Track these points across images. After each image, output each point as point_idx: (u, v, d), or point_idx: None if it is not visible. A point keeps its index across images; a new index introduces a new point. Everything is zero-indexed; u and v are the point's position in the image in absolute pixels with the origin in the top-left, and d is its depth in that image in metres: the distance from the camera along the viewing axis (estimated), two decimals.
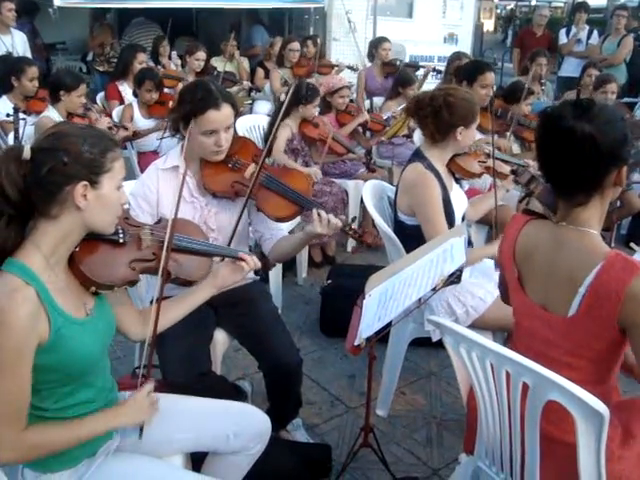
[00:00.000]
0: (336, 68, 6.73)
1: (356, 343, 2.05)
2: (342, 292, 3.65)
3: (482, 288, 2.70)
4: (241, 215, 2.45)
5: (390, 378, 2.95)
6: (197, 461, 2.02)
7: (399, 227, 2.85)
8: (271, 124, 4.36)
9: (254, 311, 2.58)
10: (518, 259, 1.85)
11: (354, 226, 2.41)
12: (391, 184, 3.47)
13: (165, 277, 1.84)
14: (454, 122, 2.68)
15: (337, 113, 4.98)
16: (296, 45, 6.56)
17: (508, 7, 25.79)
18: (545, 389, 1.59)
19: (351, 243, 4.96)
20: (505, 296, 2.08)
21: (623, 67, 7.12)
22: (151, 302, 2.48)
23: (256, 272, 2.21)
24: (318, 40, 6.96)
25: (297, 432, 2.73)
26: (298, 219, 3.63)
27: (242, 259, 2.06)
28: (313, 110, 4.49)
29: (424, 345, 3.01)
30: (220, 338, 2.60)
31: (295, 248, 2.52)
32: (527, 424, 1.69)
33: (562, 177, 1.70)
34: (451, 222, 2.69)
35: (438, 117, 2.69)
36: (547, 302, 1.76)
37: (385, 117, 5.27)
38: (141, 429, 1.76)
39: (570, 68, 7.38)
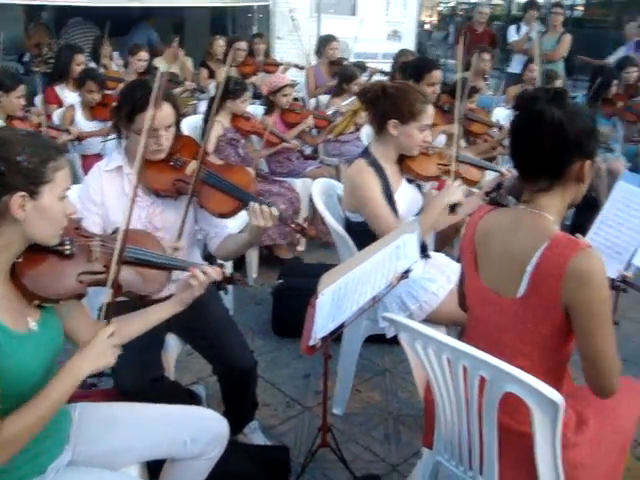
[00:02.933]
0: (282, 66, 6.71)
1: (311, 343, 2.04)
2: (294, 292, 3.64)
3: (435, 283, 2.71)
4: (186, 213, 2.42)
5: (345, 376, 2.94)
6: (154, 470, 1.97)
7: (348, 224, 2.84)
8: (205, 120, 4.32)
9: (205, 314, 2.53)
10: (476, 243, 1.87)
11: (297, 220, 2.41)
12: (339, 182, 3.46)
13: (116, 290, 1.75)
14: (387, 112, 2.67)
15: (281, 112, 4.95)
16: (243, 44, 6.52)
17: (449, 4, 26.18)
18: (502, 381, 1.61)
19: (301, 242, 4.94)
20: (462, 299, 2.09)
21: (561, 63, 7.30)
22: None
23: (218, 287, 2.11)
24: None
25: (254, 435, 2.70)
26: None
27: (193, 273, 1.97)
28: (242, 105, 4.44)
29: (378, 342, 3.01)
30: (172, 343, 2.56)
31: (242, 246, 2.49)
32: (485, 416, 1.71)
33: (528, 160, 1.75)
34: None
35: (374, 105, 2.72)
36: (499, 286, 1.78)
37: (330, 113, 5.28)
38: (101, 374, 1.64)
39: (518, 65, 7.50)
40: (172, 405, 2.01)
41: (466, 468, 1.87)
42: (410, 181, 2.85)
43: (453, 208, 2.61)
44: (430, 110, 2.70)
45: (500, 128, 4.38)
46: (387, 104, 2.66)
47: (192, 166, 2.44)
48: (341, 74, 5.61)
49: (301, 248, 4.96)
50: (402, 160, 2.79)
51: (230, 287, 2.17)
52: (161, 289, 1.99)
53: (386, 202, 2.66)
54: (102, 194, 2.39)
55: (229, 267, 3.72)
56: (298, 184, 4.70)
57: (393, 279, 1.94)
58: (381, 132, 2.72)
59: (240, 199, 2.42)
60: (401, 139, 2.69)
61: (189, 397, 2.61)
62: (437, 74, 3.91)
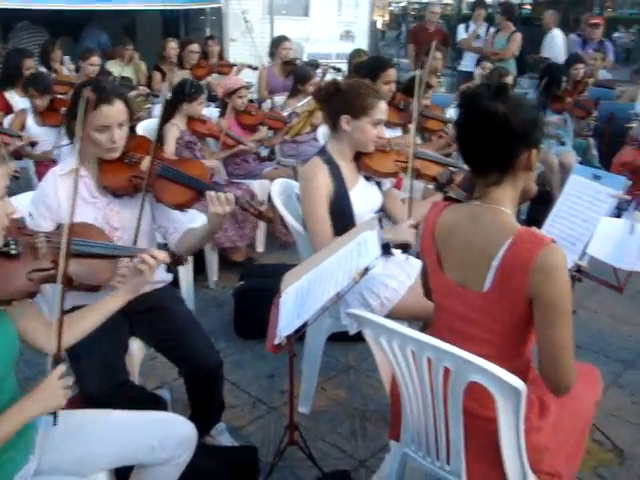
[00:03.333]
0: (236, 68, 6.69)
1: (276, 342, 2.05)
2: (255, 292, 3.64)
3: (395, 279, 2.74)
4: (142, 208, 2.43)
5: (310, 375, 2.95)
6: (123, 476, 1.96)
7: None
8: (161, 123, 4.30)
9: (169, 316, 2.53)
10: (437, 241, 1.90)
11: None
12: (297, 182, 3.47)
13: (66, 284, 1.75)
14: (339, 108, 2.69)
15: (237, 114, 4.94)
16: (196, 47, 6.49)
17: (401, 4, 26.44)
18: (465, 371, 1.64)
19: (260, 243, 4.94)
20: (427, 291, 2.13)
21: (512, 61, 7.44)
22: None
23: (169, 269, 2.16)
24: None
25: (221, 437, 2.69)
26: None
27: (141, 259, 1.99)
28: (198, 107, 4.44)
29: (341, 340, 3.02)
30: (136, 347, 2.54)
31: (202, 237, 2.48)
32: (450, 406, 1.74)
33: (478, 155, 1.79)
34: (348, 218, 2.70)
35: (328, 103, 2.74)
36: (465, 280, 1.82)
37: (286, 114, 5.29)
38: (55, 415, 1.66)
39: (470, 63, 7.63)
40: (139, 411, 2.00)
41: (433, 459, 1.90)
42: (368, 178, 2.87)
43: (403, 247, 2.63)
44: (383, 105, 2.72)
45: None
46: (339, 100, 2.69)
47: (147, 161, 2.45)
48: (296, 75, 5.62)
49: (260, 249, 4.96)
50: (359, 157, 2.81)
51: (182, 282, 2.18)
52: (111, 278, 2.02)
53: (326, 201, 2.66)
54: (57, 199, 2.37)
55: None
56: (256, 185, 4.70)
57: (355, 275, 1.96)
58: (335, 129, 2.74)
59: (196, 189, 2.45)
60: (354, 135, 2.71)
61: (154, 402, 2.59)
62: (392, 72, 3.95)
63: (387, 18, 25.51)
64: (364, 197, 2.79)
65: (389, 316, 2.68)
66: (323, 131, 4.71)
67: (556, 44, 7.84)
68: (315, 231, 2.65)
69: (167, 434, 1.92)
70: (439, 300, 1.95)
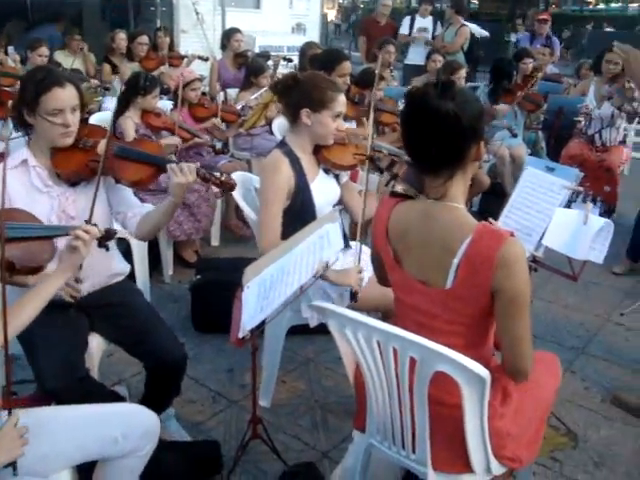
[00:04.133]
0: (186, 59, 6.60)
1: (240, 335, 2.04)
2: (212, 286, 3.62)
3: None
4: (97, 190, 2.30)
5: (270, 368, 2.95)
6: (86, 473, 1.92)
7: None
8: (114, 117, 4.23)
9: (130, 310, 2.50)
10: (392, 239, 1.90)
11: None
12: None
13: (8, 269, 1.74)
14: (299, 101, 2.68)
15: (190, 107, 4.88)
16: (144, 38, 6.37)
17: None
18: (432, 361, 1.66)
19: (215, 237, 4.90)
20: (381, 278, 2.14)
21: (461, 55, 7.54)
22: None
23: (100, 244, 2.09)
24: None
25: (170, 422, 2.68)
26: None
27: (75, 234, 1.95)
28: (152, 101, 4.38)
29: (299, 333, 3.03)
30: (95, 343, 2.48)
31: (164, 213, 2.41)
32: (416, 395, 1.76)
33: (428, 154, 1.78)
34: (309, 211, 2.71)
35: (287, 95, 2.73)
36: (425, 277, 1.83)
37: (239, 107, 5.24)
38: (14, 466, 1.59)
39: (417, 57, 7.70)
40: (99, 404, 1.97)
41: (399, 448, 1.92)
42: (326, 171, 2.88)
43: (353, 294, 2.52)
44: (342, 98, 2.71)
45: None
46: (299, 93, 2.67)
47: (103, 144, 2.39)
48: (249, 67, 5.58)
49: (215, 243, 4.92)
50: (318, 150, 2.81)
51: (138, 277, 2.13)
52: (52, 257, 1.99)
53: (290, 200, 2.67)
54: (9, 195, 2.30)
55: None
56: None
57: (319, 268, 1.96)
58: (295, 122, 2.73)
59: (156, 164, 2.44)
60: (314, 128, 2.70)
61: (113, 398, 2.54)
62: (347, 65, 3.96)
63: (336, 11, 25.55)
64: (324, 190, 2.79)
65: (349, 308, 2.69)
66: (279, 124, 4.70)
67: None
68: (265, 223, 2.64)
69: (129, 425, 1.90)
70: (400, 295, 1.96)
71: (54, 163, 2.37)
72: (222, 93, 6.12)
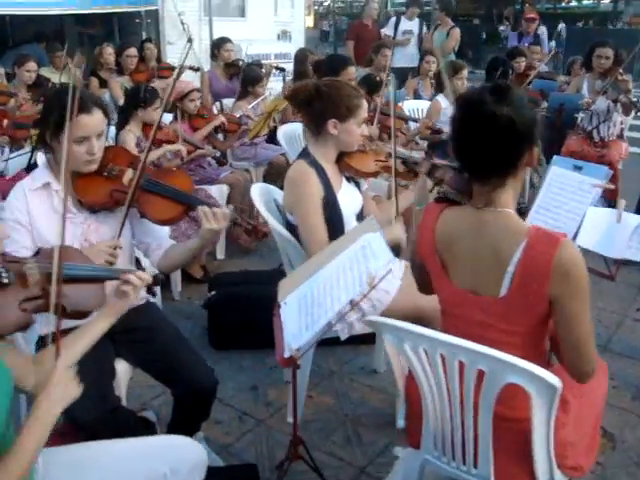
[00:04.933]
0: (177, 70, 6.50)
1: (286, 355, 1.96)
2: (228, 302, 3.54)
3: (384, 280, 2.69)
4: (123, 225, 2.28)
5: (300, 383, 2.86)
6: None
7: (290, 229, 2.77)
8: (117, 130, 4.14)
9: (157, 335, 2.41)
10: (440, 248, 1.85)
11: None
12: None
13: (60, 312, 1.61)
14: (324, 113, 2.62)
15: (190, 118, 4.80)
16: (133, 51, 6.28)
17: (325, 3, 26.58)
18: (502, 373, 1.60)
19: (220, 251, 4.81)
20: (423, 287, 2.08)
21: (452, 56, 7.53)
22: (38, 343, 2.24)
23: (149, 290, 2.05)
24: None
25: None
26: None
27: (127, 279, 1.87)
28: (154, 113, 4.24)
29: (319, 344, 2.96)
30: (121, 369, 2.39)
31: (190, 252, 2.35)
32: (482, 408, 1.70)
33: (481, 160, 1.72)
34: (338, 222, 2.65)
35: (311, 106, 2.65)
36: (476, 286, 1.78)
37: (238, 116, 5.17)
38: None
39: (402, 59, 7.67)
40: (144, 437, 1.88)
41: (459, 463, 1.85)
42: (348, 179, 2.82)
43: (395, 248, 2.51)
44: (365, 104, 2.67)
45: (415, 121, 4.45)
46: (323, 104, 2.60)
47: (129, 174, 2.32)
48: (245, 76, 5.50)
49: (221, 256, 4.83)
50: (340, 158, 2.75)
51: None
52: (102, 302, 1.87)
53: (322, 207, 2.60)
54: (29, 214, 2.22)
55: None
56: (213, 190, 4.57)
57: (370, 280, 1.89)
58: (320, 133, 2.66)
59: (185, 203, 2.33)
60: (342, 137, 2.65)
61: (144, 425, 2.46)
62: (352, 70, 3.94)
63: (312, 17, 25.57)
64: (349, 199, 2.73)
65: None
66: (284, 132, 4.63)
67: None
68: (314, 240, 2.57)
69: (178, 459, 1.81)
70: (449, 309, 1.90)
71: (76, 189, 2.26)
72: (217, 103, 6.04)
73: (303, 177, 2.60)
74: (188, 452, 1.86)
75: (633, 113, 5.53)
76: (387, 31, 8.11)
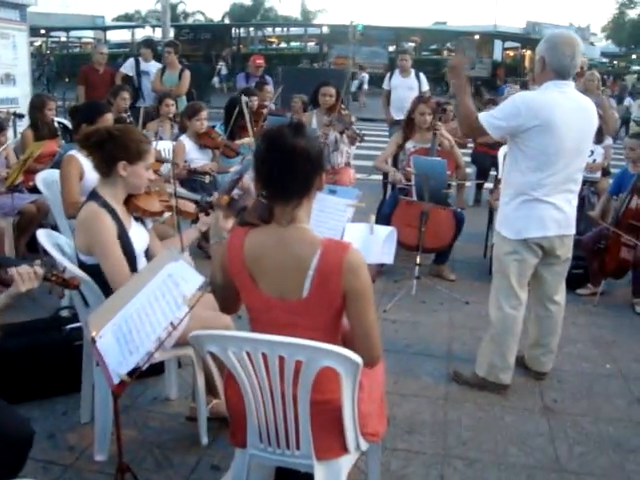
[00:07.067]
0: None
1: (116, 382, 2.09)
2: (12, 356, 3.40)
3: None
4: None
5: (103, 421, 2.89)
6: None
7: (83, 268, 2.84)
8: None
9: None
10: (249, 263, 2.13)
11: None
12: None
13: None
14: (115, 154, 2.78)
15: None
16: None
17: (36, 43, 25.32)
18: (318, 359, 1.93)
19: None
20: (226, 307, 2.37)
21: (185, 98, 7.91)
22: None
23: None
24: None
25: None
26: None
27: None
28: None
29: None
30: None
31: None
32: (300, 395, 2.01)
33: (283, 185, 2.07)
34: (131, 258, 2.80)
35: (102, 149, 2.79)
36: (283, 292, 2.10)
37: None
38: None
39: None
40: None
41: (284, 449, 2.14)
42: (136, 219, 2.98)
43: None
44: (153, 150, 2.90)
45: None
46: (115, 146, 2.76)
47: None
48: None
49: None
50: (128, 199, 2.92)
51: None
52: None
53: (120, 246, 2.75)
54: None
55: None
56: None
57: (187, 302, 2.11)
58: (109, 175, 2.81)
59: None
60: (130, 179, 2.82)
61: None
62: (109, 117, 4.04)
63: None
64: (138, 237, 2.90)
65: (177, 344, 2.82)
66: (43, 177, 4.52)
67: None
68: (120, 272, 2.68)
69: None
70: (257, 315, 2.20)
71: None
72: None
73: (96, 216, 2.72)
74: None
75: (357, 143, 6.40)
76: (127, 71, 8.28)
